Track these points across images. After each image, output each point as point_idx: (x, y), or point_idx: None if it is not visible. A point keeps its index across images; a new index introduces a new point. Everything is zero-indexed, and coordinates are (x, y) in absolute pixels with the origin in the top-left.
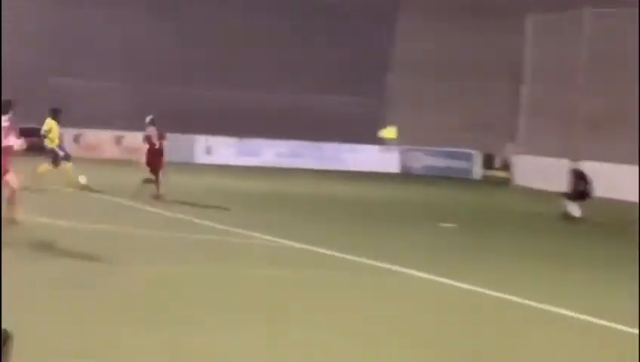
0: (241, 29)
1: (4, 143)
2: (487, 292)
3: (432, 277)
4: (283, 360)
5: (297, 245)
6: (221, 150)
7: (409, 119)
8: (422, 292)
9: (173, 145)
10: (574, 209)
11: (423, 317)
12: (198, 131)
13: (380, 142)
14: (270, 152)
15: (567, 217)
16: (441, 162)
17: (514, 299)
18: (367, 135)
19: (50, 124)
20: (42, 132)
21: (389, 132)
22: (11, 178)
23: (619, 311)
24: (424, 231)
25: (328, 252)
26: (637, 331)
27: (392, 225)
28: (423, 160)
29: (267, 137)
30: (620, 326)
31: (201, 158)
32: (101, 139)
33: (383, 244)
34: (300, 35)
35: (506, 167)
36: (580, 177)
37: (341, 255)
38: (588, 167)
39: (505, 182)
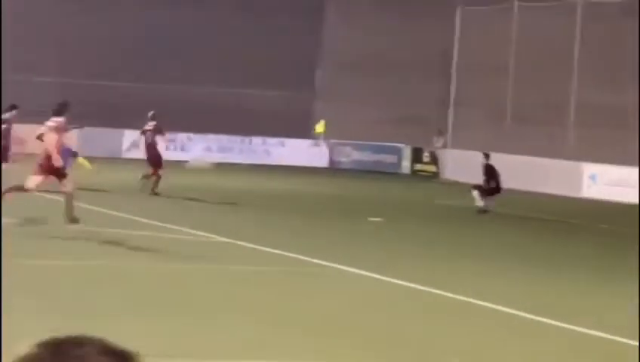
0: (170, 23)
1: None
2: (414, 286)
3: (358, 271)
4: (206, 357)
5: (225, 240)
6: None
7: (338, 113)
8: (348, 286)
9: (99, 139)
10: (478, 200)
11: (351, 312)
12: (125, 125)
13: (309, 136)
14: (198, 147)
15: (480, 211)
16: (369, 156)
17: (441, 293)
18: (296, 129)
19: None
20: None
21: (317, 126)
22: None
23: (551, 307)
24: (352, 226)
25: (256, 246)
26: (567, 326)
27: (320, 219)
28: (352, 154)
29: (195, 132)
30: (556, 323)
31: (128, 153)
32: None
33: (311, 239)
34: (228, 28)
35: (434, 160)
36: (490, 172)
37: (268, 249)
38: (513, 160)
39: (433, 176)
